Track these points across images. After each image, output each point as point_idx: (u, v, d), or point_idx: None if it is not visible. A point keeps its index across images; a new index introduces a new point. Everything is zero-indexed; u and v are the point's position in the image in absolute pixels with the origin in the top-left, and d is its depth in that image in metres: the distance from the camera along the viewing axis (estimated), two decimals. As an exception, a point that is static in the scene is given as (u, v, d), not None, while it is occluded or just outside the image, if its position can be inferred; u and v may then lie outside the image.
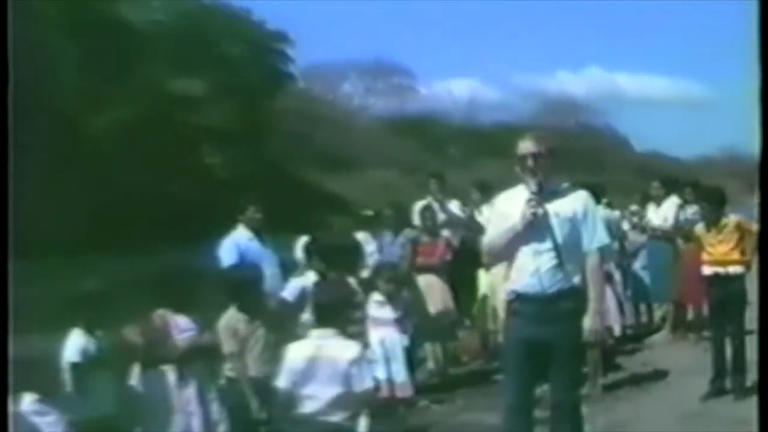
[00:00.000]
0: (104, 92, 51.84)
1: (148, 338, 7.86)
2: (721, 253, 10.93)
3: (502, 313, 9.17)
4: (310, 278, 10.02)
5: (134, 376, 7.87)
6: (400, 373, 10.07)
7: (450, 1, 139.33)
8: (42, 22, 49.67)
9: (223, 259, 11.12)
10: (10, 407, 6.36)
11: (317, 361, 7.19)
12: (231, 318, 8.57)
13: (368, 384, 7.27)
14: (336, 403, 7.15)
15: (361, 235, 13.93)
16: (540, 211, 7.28)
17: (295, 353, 7.38)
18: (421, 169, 40.50)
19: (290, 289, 10.09)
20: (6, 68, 6.36)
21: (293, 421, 7.30)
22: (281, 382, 7.35)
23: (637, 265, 15.26)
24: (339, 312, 7.70)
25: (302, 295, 9.87)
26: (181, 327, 8.18)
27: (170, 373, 7.92)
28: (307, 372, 7.19)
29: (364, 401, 7.26)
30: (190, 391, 7.97)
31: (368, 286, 11.00)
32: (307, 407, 7.19)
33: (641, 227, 15.62)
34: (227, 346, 8.46)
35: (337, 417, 7.19)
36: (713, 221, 11.07)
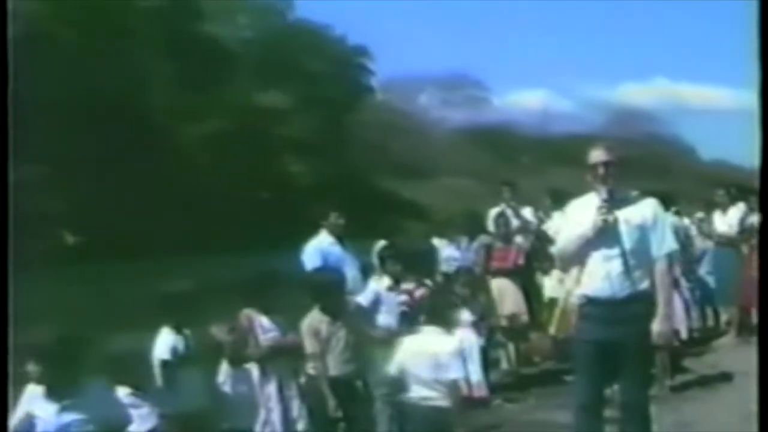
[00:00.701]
0: (196, 105, 52.48)
1: (235, 337, 7.91)
2: None
3: (572, 316, 9.09)
4: (384, 283, 9.99)
5: (222, 373, 7.93)
6: (476, 373, 10.02)
7: (522, 16, 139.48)
8: (137, 40, 50.45)
9: (306, 262, 11.12)
10: (10, 407, 6.43)
11: (423, 352, 7.90)
12: (314, 319, 8.58)
13: (459, 373, 8.08)
14: (437, 389, 7.83)
15: (437, 241, 13.89)
16: (610, 218, 7.24)
17: (408, 345, 8.11)
18: (494, 177, 40.41)
19: (365, 294, 10.06)
20: (6, 68, 6.40)
21: (402, 404, 8.14)
22: (393, 369, 8.06)
23: (704, 270, 15.05)
24: (445, 313, 8.48)
25: (376, 300, 9.85)
26: (266, 327, 8.22)
27: (254, 371, 7.98)
28: (415, 361, 7.90)
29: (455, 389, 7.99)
30: (272, 387, 8.01)
31: (445, 289, 10.97)
32: (414, 392, 7.89)
33: (707, 234, 15.42)
34: (309, 345, 8.47)
35: (438, 402, 7.85)
36: None
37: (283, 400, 8.08)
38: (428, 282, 9.15)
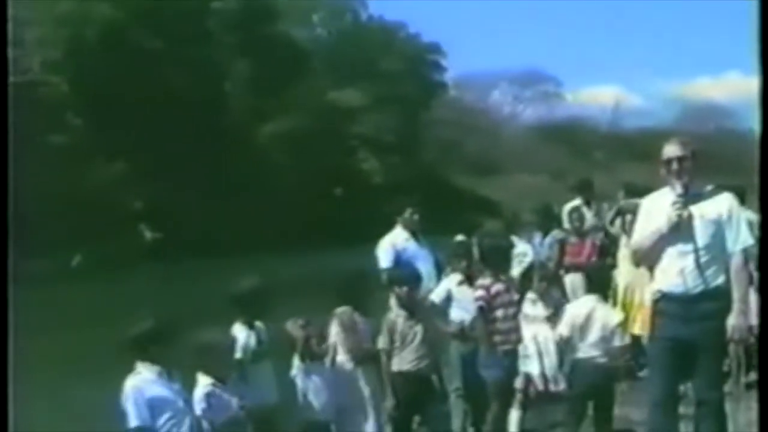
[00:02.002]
0: (271, 105, 52.87)
1: (308, 332, 7.97)
2: None
3: (646, 312, 8.99)
4: (454, 280, 9.95)
5: (294, 368, 7.99)
6: (552, 367, 9.94)
7: (592, 12, 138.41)
8: (213, 42, 50.97)
9: (380, 258, 11.14)
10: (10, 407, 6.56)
11: (592, 318, 9.04)
12: (391, 314, 8.62)
13: (626, 341, 9.60)
14: (604, 351, 9.03)
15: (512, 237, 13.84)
16: (685, 213, 7.15)
17: (576, 309, 9.30)
18: (568, 173, 40.18)
19: (438, 291, 10.04)
20: (6, 69, 6.45)
21: (573, 364, 9.18)
22: (564, 329, 9.14)
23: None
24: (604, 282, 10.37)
25: (448, 297, 9.82)
26: (360, 326, 8.33)
27: (345, 366, 8.07)
28: (585, 325, 9.02)
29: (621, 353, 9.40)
30: (362, 384, 8.12)
31: (522, 284, 10.92)
32: (582, 353, 9.06)
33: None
34: (382, 341, 8.51)
35: (605, 360, 9.05)
36: None
37: (374, 396, 8.25)
38: (503, 277, 9.07)
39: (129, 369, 6.78)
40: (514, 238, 13.51)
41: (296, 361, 8.02)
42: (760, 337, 7.10)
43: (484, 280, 8.86)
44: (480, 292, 8.76)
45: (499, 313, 8.64)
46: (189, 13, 48.72)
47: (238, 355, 7.57)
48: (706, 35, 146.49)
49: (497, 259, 9.09)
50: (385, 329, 8.62)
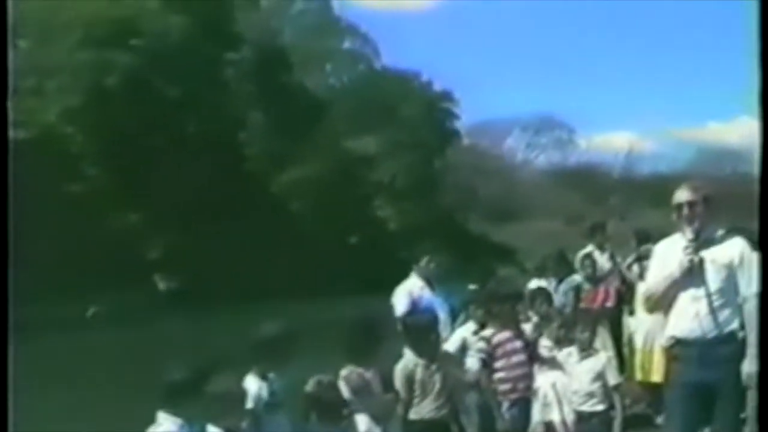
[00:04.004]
0: (287, 153, 53.14)
1: (322, 392, 7.86)
2: None
3: (661, 358, 8.99)
4: (469, 329, 9.95)
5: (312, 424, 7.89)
6: (571, 414, 9.91)
7: (605, 58, 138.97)
8: (229, 91, 51.36)
9: (396, 306, 11.13)
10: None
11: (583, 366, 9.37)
12: (409, 362, 8.56)
13: (618, 380, 9.68)
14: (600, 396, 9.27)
15: (532, 282, 13.80)
16: (696, 258, 7.14)
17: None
18: (583, 219, 40.17)
19: (452, 341, 10.03)
20: (6, 70, 6.49)
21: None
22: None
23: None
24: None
25: (463, 346, 9.80)
26: (369, 382, 8.22)
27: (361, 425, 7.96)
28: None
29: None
30: None
31: (538, 331, 10.90)
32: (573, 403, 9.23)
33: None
34: (403, 391, 8.45)
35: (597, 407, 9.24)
36: None
37: None
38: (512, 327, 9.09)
39: (149, 420, 6.75)
40: (532, 285, 13.52)
41: (311, 421, 7.92)
42: (760, 338, 7.03)
43: (486, 331, 8.90)
44: (480, 344, 8.79)
45: (503, 362, 8.64)
46: (206, 62, 49.09)
47: (249, 405, 7.51)
48: (715, 80, 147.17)
49: (506, 308, 9.11)
50: (403, 378, 8.57)
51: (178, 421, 6.65)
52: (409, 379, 8.52)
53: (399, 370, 8.60)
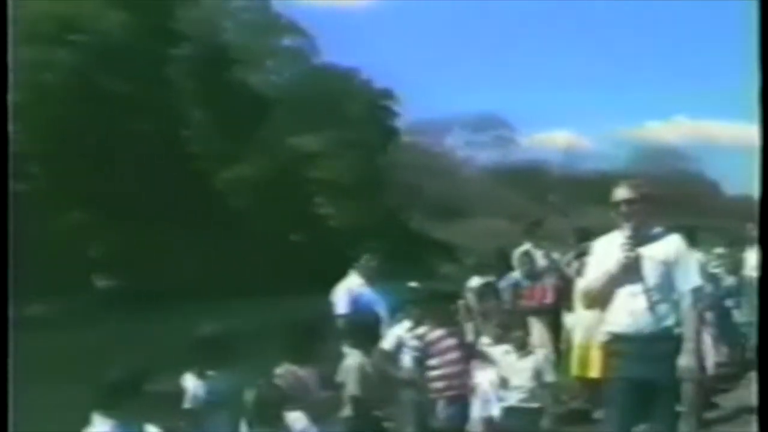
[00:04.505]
0: (230, 150, 52.95)
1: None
2: None
3: (597, 353, 9.07)
4: (405, 326, 9.95)
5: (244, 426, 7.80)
6: (509, 410, 9.94)
7: (544, 57, 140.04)
8: (172, 88, 51.04)
9: (336, 305, 11.12)
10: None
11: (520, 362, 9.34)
12: (356, 360, 8.56)
13: (554, 378, 9.75)
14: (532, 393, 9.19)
15: (474, 280, 13.84)
16: (633, 254, 7.19)
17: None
18: (524, 216, 40.39)
19: (388, 339, 10.03)
20: (5, 71, 6.43)
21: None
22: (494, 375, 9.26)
23: (731, 305, 14.86)
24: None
25: (399, 344, 9.80)
26: (306, 381, 8.17)
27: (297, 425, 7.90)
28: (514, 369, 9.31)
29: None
30: None
31: (476, 328, 10.94)
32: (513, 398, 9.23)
33: (734, 268, 15.28)
34: (353, 388, 8.45)
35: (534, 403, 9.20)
36: None
37: None
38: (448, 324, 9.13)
39: (85, 422, 6.65)
40: (472, 282, 13.55)
41: (246, 419, 7.84)
42: (759, 337, 7.09)
43: (420, 329, 8.93)
44: (414, 342, 8.82)
45: (437, 360, 8.66)
46: (148, 59, 48.74)
47: (187, 405, 7.45)
48: (654, 79, 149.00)
49: (442, 305, 9.14)
50: (353, 375, 8.57)
51: (112, 422, 6.56)
52: (359, 376, 8.52)
53: (346, 367, 8.59)
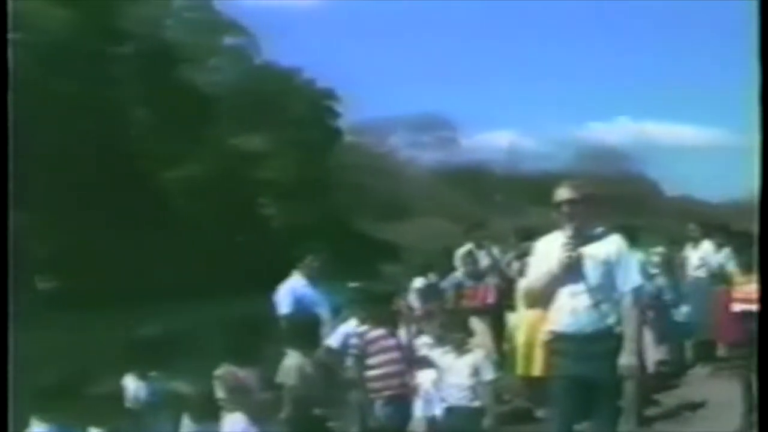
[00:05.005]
0: (174, 150, 52.62)
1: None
2: (750, 291, 10.83)
3: (540, 352, 9.13)
4: (352, 325, 9.95)
5: (184, 427, 7.76)
6: (451, 409, 9.98)
7: (487, 57, 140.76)
8: (117, 87, 50.60)
9: (280, 304, 11.11)
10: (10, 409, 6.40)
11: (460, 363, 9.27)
12: (296, 361, 8.55)
13: (493, 375, 9.45)
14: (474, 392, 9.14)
15: (416, 281, 13.87)
16: (574, 254, 7.24)
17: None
18: (468, 216, 40.51)
19: (335, 337, 10.04)
20: (6, 71, 6.39)
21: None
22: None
23: (671, 304, 15.01)
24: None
25: (345, 342, 9.80)
26: (247, 382, 8.14)
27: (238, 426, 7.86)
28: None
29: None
30: None
31: (417, 328, 10.97)
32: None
33: (675, 268, 15.45)
34: (294, 388, 8.45)
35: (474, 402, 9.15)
36: (744, 263, 11.01)
37: None
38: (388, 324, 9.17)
39: (25, 425, 6.58)
40: (416, 283, 13.60)
41: (186, 422, 7.81)
42: (759, 336, 7.14)
43: (360, 328, 8.94)
44: (354, 341, 8.84)
45: (376, 359, 8.68)
46: (90, 57, 48.26)
47: (128, 405, 7.41)
48: (597, 81, 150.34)
49: (383, 305, 9.17)
50: (294, 375, 8.57)
51: (50, 426, 6.48)
52: (299, 377, 8.51)
53: (286, 367, 8.58)
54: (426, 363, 9.71)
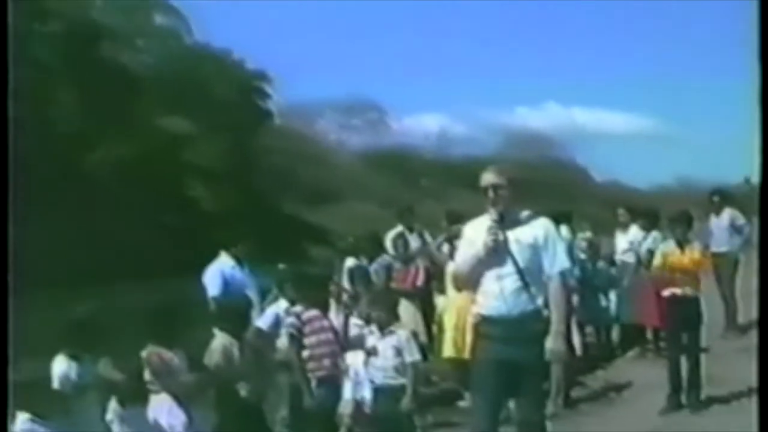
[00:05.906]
0: (98, 131, 51.95)
1: (127, 375, 7.75)
2: (684, 265, 11.07)
3: (468, 335, 9.19)
4: (282, 306, 9.96)
5: (110, 411, 7.74)
6: (376, 390, 10.03)
7: (417, 41, 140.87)
8: (38, 67, 49.78)
9: (209, 286, 11.10)
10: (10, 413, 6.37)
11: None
12: (225, 342, 8.55)
13: (417, 356, 9.49)
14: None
15: (346, 262, 13.91)
16: (500, 237, 7.27)
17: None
18: (396, 200, 40.56)
19: (264, 318, 10.04)
20: (6, 72, 6.35)
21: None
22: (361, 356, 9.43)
23: (598, 287, 15.18)
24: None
25: (276, 323, 9.81)
26: (173, 364, 8.10)
27: (164, 406, 7.84)
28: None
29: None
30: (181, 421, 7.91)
31: (348, 310, 11.03)
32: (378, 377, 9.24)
33: (602, 252, 15.63)
34: (223, 370, 8.44)
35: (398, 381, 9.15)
36: (682, 240, 11.25)
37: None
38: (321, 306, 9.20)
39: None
40: (343, 265, 13.63)
41: (113, 405, 7.77)
42: (759, 339, 7.23)
43: (297, 307, 8.96)
44: (291, 319, 8.85)
45: (312, 339, 8.71)
46: (13, 36, 47.47)
47: (56, 386, 7.35)
48: (523, 66, 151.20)
49: (316, 287, 9.19)
50: (220, 357, 8.56)
51: None
52: (226, 358, 8.51)
53: (213, 349, 8.57)
54: (358, 344, 9.76)
